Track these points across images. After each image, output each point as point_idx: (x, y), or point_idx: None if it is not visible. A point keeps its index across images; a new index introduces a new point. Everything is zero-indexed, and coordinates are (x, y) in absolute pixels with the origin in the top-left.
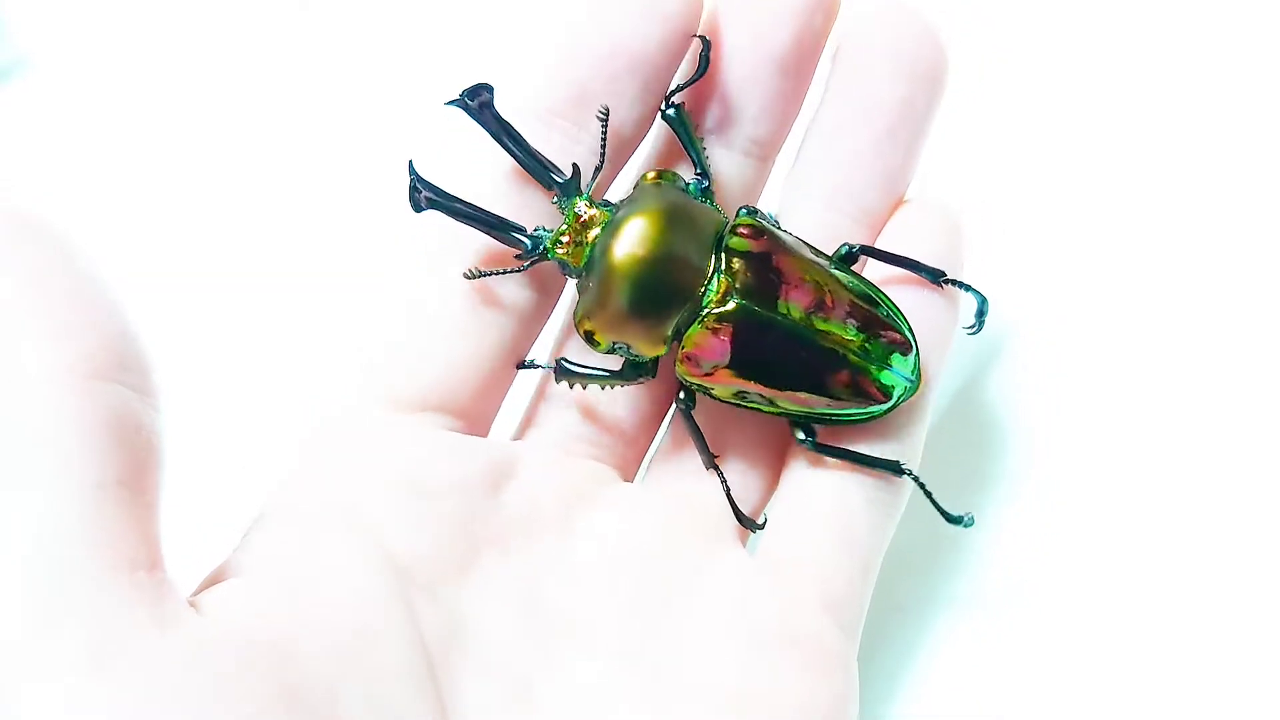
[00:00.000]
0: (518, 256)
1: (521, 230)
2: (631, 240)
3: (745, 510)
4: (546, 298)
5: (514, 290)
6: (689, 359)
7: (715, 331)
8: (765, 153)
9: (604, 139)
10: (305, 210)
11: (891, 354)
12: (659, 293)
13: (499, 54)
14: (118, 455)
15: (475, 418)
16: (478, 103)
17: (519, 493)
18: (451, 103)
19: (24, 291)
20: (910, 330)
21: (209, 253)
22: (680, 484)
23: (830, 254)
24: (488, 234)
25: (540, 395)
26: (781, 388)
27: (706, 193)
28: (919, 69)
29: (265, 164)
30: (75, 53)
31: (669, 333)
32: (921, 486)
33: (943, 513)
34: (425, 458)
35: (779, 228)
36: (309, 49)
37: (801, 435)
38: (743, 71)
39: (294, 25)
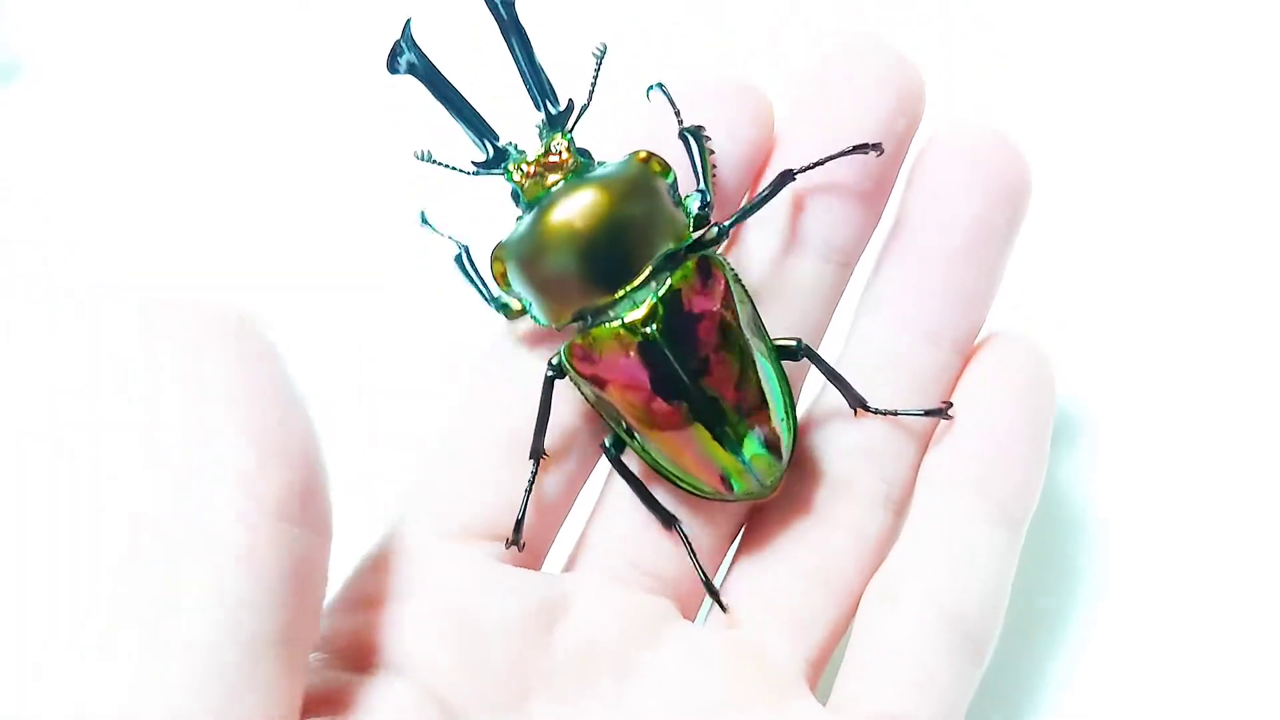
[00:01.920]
0: (475, 163)
1: (494, 138)
2: (583, 206)
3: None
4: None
5: (572, 415)
6: (583, 354)
7: (622, 345)
8: (845, 259)
9: (594, 82)
10: (304, 211)
11: (756, 452)
12: (578, 274)
13: (497, 55)
14: (286, 610)
15: (529, 547)
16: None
17: (573, 632)
18: None
19: (236, 412)
20: (791, 442)
21: (206, 254)
22: (746, 627)
23: (778, 337)
24: (458, 122)
25: (595, 517)
26: (644, 425)
27: (706, 206)
28: (998, 186)
29: (264, 165)
30: (72, 54)
31: (569, 315)
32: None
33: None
34: (476, 593)
35: (737, 280)
36: (309, 49)
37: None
38: (821, 175)
39: (294, 25)
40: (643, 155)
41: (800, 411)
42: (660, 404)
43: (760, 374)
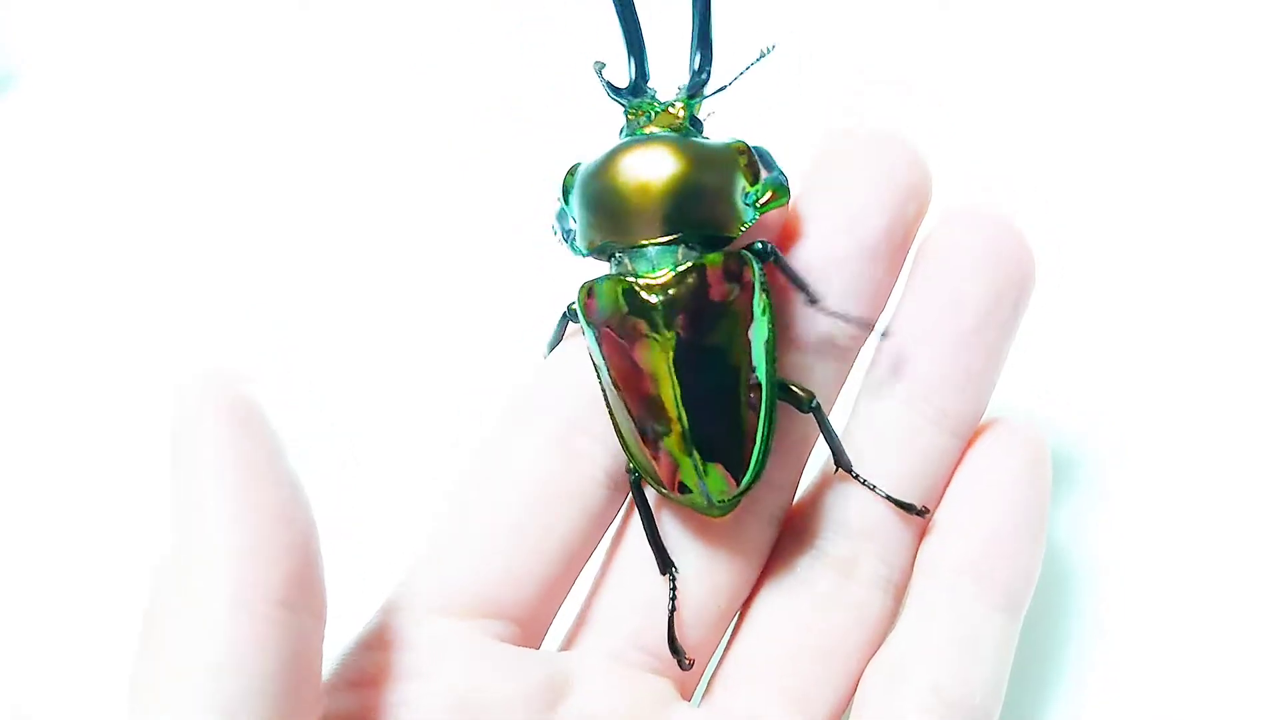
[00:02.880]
0: (612, 85)
1: (644, 75)
2: (655, 151)
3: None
4: (618, 494)
5: (584, 486)
6: (593, 294)
7: (628, 302)
8: (851, 343)
9: (742, 73)
10: (305, 212)
11: (715, 465)
12: (616, 203)
13: (497, 55)
14: (286, 699)
15: (530, 624)
16: None
17: (574, 713)
18: None
19: (234, 497)
20: (756, 472)
21: (206, 259)
22: (745, 707)
23: (794, 383)
24: (624, 42)
25: (598, 593)
26: (622, 390)
27: (781, 190)
28: (1005, 269)
29: (265, 168)
30: (67, 64)
31: (597, 243)
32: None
33: None
34: (477, 674)
35: (765, 293)
36: (309, 49)
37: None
38: (830, 255)
39: (294, 25)
40: (740, 146)
41: (805, 485)
42: (642, 377)
43: (747, 392)
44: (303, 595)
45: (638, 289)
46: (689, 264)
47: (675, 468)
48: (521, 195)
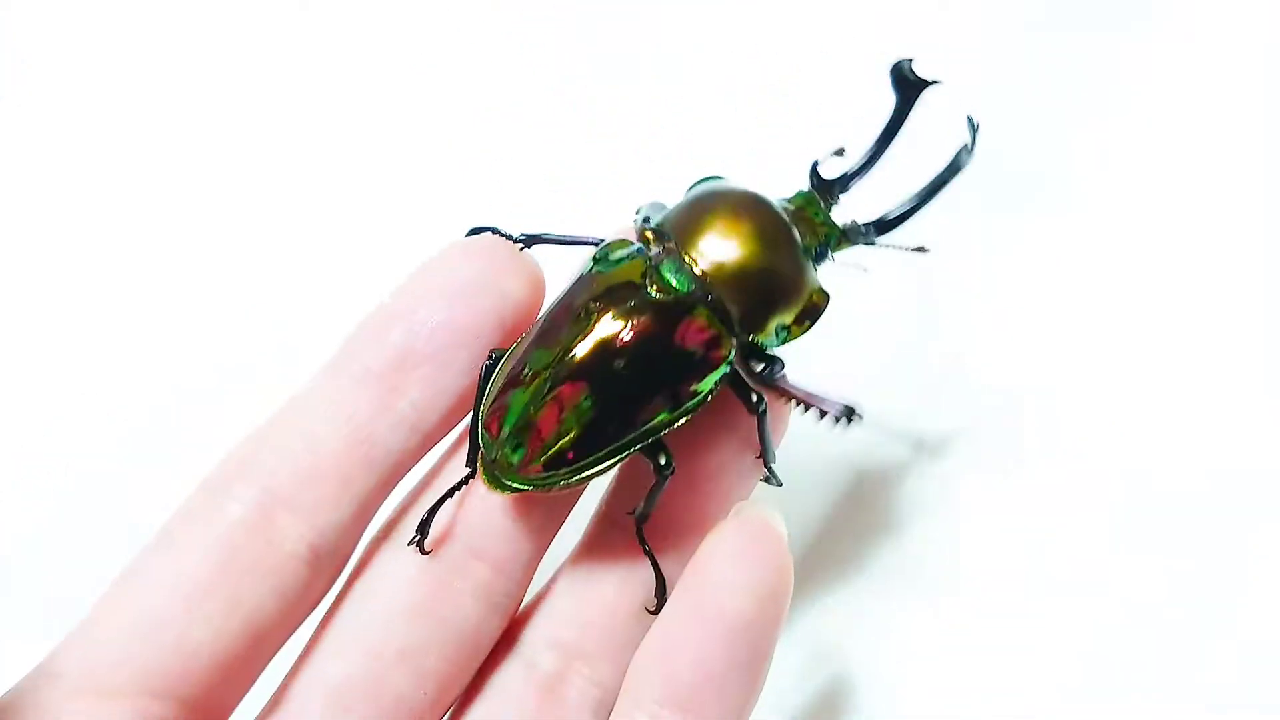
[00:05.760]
0: (817, 170)
1: (844, 185)
2: (771, 232)
3: None
4: (321, 573)
5: (280, 562)
6: (607, 253)
7: (631, 279)
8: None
9: (897, 248)
10: (305, 211)
11: (538, 451)
12: (706, 219)
13: (497, 55)
14: None
15: (205, 709)
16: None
17: None
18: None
19: None
20: (544, 480)
21: (206, 259)
22: None
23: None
24: (871, 143)
25: (291, 679)
26: (545, 341)
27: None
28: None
29: (265, 168)
30: (70, 62)
31: (668, 226)
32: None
33: None
34: None
35: (720, 382)
36: (309, 49)
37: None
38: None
39: (294, 25)
40: (823, 295)
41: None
42: (572, 340)
43: (634, 419)
44: None
45: (654, 269)
46: (694, 300)
47: (518, 417)
48: (521, 195)
